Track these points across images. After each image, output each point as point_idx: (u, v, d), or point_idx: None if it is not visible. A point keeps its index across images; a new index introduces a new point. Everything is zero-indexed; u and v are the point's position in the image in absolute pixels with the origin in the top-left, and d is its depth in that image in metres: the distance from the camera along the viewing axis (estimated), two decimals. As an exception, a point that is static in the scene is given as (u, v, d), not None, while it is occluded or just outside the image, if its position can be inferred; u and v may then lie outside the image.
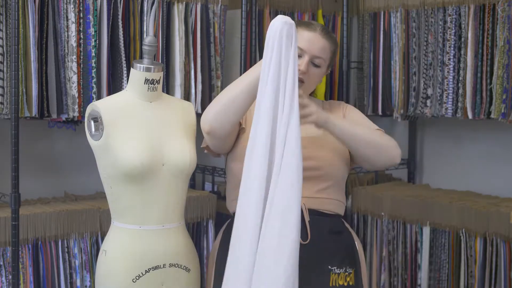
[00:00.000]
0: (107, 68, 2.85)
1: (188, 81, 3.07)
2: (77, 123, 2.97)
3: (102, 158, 2.24)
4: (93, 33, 2.79)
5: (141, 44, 2.90)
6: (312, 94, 2.46)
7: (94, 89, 2.80)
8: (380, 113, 3.61)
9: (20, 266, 2.67)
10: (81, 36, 2.78)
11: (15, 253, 2.60)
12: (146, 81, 2.26)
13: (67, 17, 2.75)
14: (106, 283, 2.25)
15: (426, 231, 3.32)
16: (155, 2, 2.95)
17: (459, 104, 3.27)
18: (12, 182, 2.59)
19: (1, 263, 2.67)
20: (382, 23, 3.57)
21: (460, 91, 3.26)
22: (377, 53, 3.59)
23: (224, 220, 2.45)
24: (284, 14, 3.48)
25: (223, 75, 3.21)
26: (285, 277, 1.90)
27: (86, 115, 2.27)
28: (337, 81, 3.63)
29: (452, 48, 3.29)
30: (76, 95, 2.77)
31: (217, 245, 2.34)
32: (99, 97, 2.82)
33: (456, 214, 3.22)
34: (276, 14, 3.45)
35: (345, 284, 2.23)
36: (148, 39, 2.26)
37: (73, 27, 2.76)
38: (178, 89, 3.03)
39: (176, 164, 2.26)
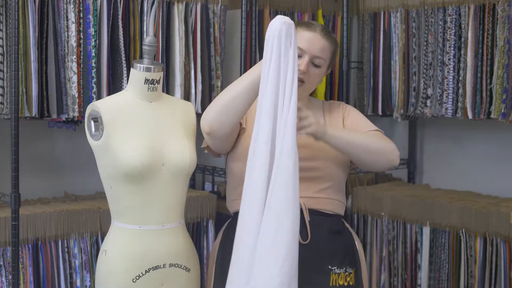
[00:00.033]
0: (107, 68, 2.85)
1: (188, 81, 3.07)
2: (77, 123, 2.97)
3: (102, 158, 2.24)
4: (93, 33, 2.80)
5: (141, 44, 2.90)
6: (313, 94, 2.46)
7: (94, 89, 2.80)
8: (380, 113, 3.61)
9: (20, 266, 2.67)
10: (81, 36, 2.78)
11: (15, 253, 2.60)
12: (146, 81, 2.26)
13: (67, 17, 2.75)
14: (106, 283, 2.25)
15: (426, 231, 3.32)
16: (155, 2, 2.95)
17: (459, 104, 3.27)
18: (12, 182, 2.59)
19: (1, 263, 2.67)
20: (382, 23, 3.57)
21: (460, 91, 3.26)
22: (377, 53, 3.59)
23: (224, 220, 2.46)
24: (284, 14, 3.48)
25: (223, 75, 3.21)
26: (280, 278, 1.90)
27: (86, 115, 2.27)
28: (337, 81, 3.63)
29: (452, 48, 3.29)
30: (76, 95, 2.77)
31: (217, 245, 2.34)
32: (99, 97, 2.82)
33: (456, 214, 3.22)
34: (276, 14, 3.44)
35: (345, 284, 2.23)
36: (148, 39, 2.26)
37: (73, 27, 2.76)
38: (178, 89, 3.03)
39: (176, 164, 2.26)
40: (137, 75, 2.27)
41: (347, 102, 3.53)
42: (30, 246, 2.72)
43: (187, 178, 2.33)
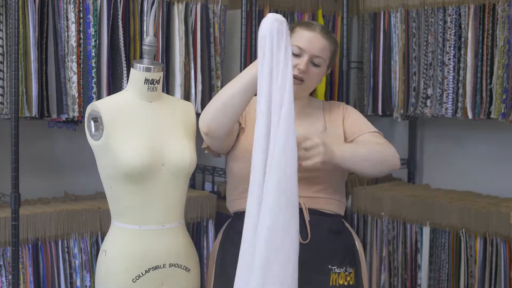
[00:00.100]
0: (107, 68, 2.85)
1: (188, 81, 3.07)
2: (77, 123, 2.97)
3: (102, 158, 2.24)
4: (93, 33, 2.80)
5: (141, 44, 2.90)
6: (313, 94, 2.47)
7: (94, 89, 2.80)
8: (380, 113, 3.61)
9: (20, 266, 2.67)
10: (81, 36, 2.78)
11: (15, 253, 2.60)
12: (146, 81, 2.26)
13: (67, 17, 2.75)
14: (106, 283, 2.25)
15: (426, 231, 3.32)
16: (155, 2, 2.95)
17: (459, 104, 3.28)
18: (12, 182, 2.59)
19: (1, 263, 2.67)
20: (382, 23, 3.57)
21: (460, 91, 3.26)
22: (377, 53, 3.59)
23: (224, 220, 2.45)
24: (284, 14, 3.49)
25: (223, 75, 3.21)
26: (274, 275, 1.90)
27: (86, 115, 2.27)
28: (337, 81, 3.63)
29: (452, 48, 3.29)
30: (76, 95, 2.77)
31: (217, 245, 2.34)
32: (99, 97, 2.82)
33: (456, 214, 3.22)
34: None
35: (345, 283, 2.23)
36: (148, 39, 2.26)
37: (73, 27, 2.76)
38: (178, 89, 3.03)
39: (176, 164, 2.26)
40: (137, 75, 2.27)
41: (347, 102, 3.53)
42: (30, 246, 2.72)
43: (187, 178, 2.33)
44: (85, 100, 2.79)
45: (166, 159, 2.25)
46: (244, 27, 3.22)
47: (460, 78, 3.26)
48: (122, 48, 2.88)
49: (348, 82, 3.64)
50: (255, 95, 1.99)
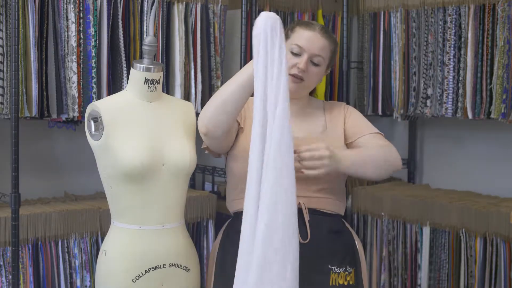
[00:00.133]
0: (107, 68, 2.85)
1: (188, 81, 3.07)
2: (77, 123, 2.97)
3: (102, 158, 2.24)
4: (93, 33, 2.80)
5: (141, 44, 2.90)
6: (313, 94, 2.47)
7: (94, 89, 2.80)
8: (380, 113, 3.61)
9: (20, 266, 2.67)
10: (81, 36, 2.78)
11: (15, 253, 2.60)
12: (146, 81, 2.27)
13: (67, 17, 2.75)
14: (106, 283, 2.25)
15: (426, 231, 3.32)
16: (155, 2, 2.95)
17: (459, 104, 3.27)
18: (12, 182, 2.59)
19: (1, 263, 2.67)
20: (382, 23, 3.57)
21: (460, 91, 3.26)
22: (377, 53, 3.59)
23: (224, 220, 2.45)
24: (284, 14, 3.49)
25: (223, 75, 3.21)
26: (273, 275, 1.90)
27: (86, 115, 2.27)
28: (337, 81, 3.63)
29: (452, 48, 3.29)
30: (76, 95, 2.77)
31: (217, 245, 2.34)
32: (99, 97, 2.82)
33: (456, 214, 3.22)
34: (276, 14, 3.45)
35: (345, 283, 2.23)
36: (148, 39, 2.26)
37: (73, 27, 2.76)
38: (178, 89, 3.03)
39: (176, 164, 2.26)
40: (137, 75, 2.27)
41: (347, 102, 3.53)
42: (30, 246, 2.72)
43: (187, 178, 2.33)
44: (85, 100, 2.79)
45: (166, 159, 2.25)
46: (244, 27, 3.22)
47: (460, 78, 3.26)
48: (122, 48, 2.88)
49: (348, 82, 3.64)
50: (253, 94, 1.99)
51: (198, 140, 2.32)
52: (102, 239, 2.82)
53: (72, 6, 2.74)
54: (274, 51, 1.94)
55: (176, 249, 2.29)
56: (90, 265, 2.83)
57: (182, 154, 2.27)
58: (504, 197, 3.46)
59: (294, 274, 1.92)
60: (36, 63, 2.67)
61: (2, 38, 2.62)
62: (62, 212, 2.79)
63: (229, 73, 3.30)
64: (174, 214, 2.29)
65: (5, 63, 2.63)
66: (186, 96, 3.07)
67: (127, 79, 2.74)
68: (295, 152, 2.01)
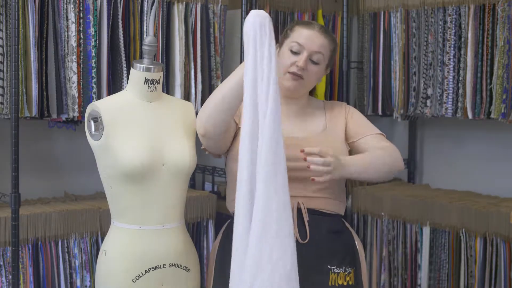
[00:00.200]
0: (107, 68, 2.85)
1: (188, 81, 3.07)
2: (77, 123, 2.97)
3: (102, 158, 2.24)
4: (93, 33, 2.80)
5: (141, 44, 2.90)
6: (313, 94, 2.47)
7: (94, 89, 2.80)
8: (380, 113, 3.61)
9: (20, 266, 2.67)
10: (81, 36, 2.78)
11: (15, 253, 2.60)
12: (146, 81, 2.26)
13: (67, 17, 2.75)
14: (106, 283, 2.25)
15: (426, 231, 3.32)
16: (155, 2, 2.95)
17: (459, 104, 3.27)
18: (12, 182, 2.59)
19: (1, 263, 2.67)
20: (382, 23, 3.57)
21: (460, 91, 3.26)
22: (377, 53, 3.59)
23: (224, 220, 2.45)
24: (284, 14, 3.49)
25: (223, 75, 3.20)
26: (273, 276, 1.89)
27: (86, 115, 2.27)
28: (337, 81, 3.63)
29: (452, 48, 3.29)
30: (76, 95, 2.77)
31: (217, 245, 2.34)
32: (99, 97, 2.82)
33: (456, 214, 3.22)
34: (276, 14, 3.45)
35: (345, 283, 2.23)
36: (148, 39, 2.26)
37: (73, 27, 2.76)
38: (178, 89, 3.03)
39: (176, 164, 2.26)
40: (137, 75, 2.27)
41: (347, 102, 3.52)
42: (30, 246, 2.72)
43: (187, 178, 2.33)
44: (85, 100, 2.79)
45: (166, 159, 2.25)
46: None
47: (460, 78, 3.26)
48: (122, 48, 2.88)
49: (348, 82, 3.64)
50: None
51: (198, 140, 2.32)
52: (102, 239, 2.82)
53: (72, 6, 2.74)
54: (264, 50, 1.94)
55: (176, 249, 2.29)
56: (90, 265, 2.83)
57: (182, 154, 2.27)
58: (504, 197, 3.46)
59: (294, 273, 1.92)
60: (36, 63, 2.67)
61: (2, 38, 2.62)
62: (62, 212, 2.79)
63: (229, 73, 3.27)
64: (174, 214, 2.29)
65: (5, 63, 2.63)
66: (186, 96, 3.07)
67: (127, 79, 2.74)
68: (301, 151, 2.02)
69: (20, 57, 2.61)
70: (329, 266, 2.21)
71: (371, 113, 3.63)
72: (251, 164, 1.92)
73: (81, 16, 2.77)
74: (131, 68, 2.29)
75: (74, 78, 2.77)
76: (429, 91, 3.39)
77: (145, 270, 2.23)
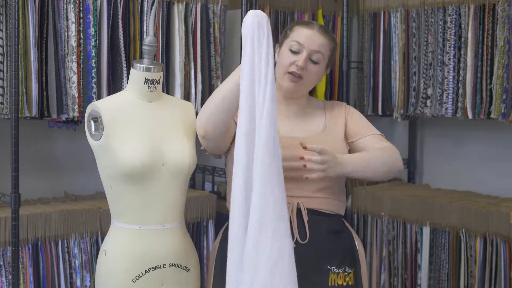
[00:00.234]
0: (107, 68, 2.85)
1: (188, 81, 3.07)
2: (77, 123, 2.97)
3: (102, 158, 2.24)
4: (93, 33, 2.80)
5: (141, 44, 2.90)
6: (313, 94, 2.47)
7: (94, 89, 2.80)
8: (380, 113, 3.61)
9: (20, 266, 2.67)
10: (81, 36, 2.78)
11: (15, 253, 2.60)
12: (146, 81, 2.26)
13: (67, 17, 2.75)
14: (106, 283, 2.25)
15: (426, 231, 3.32)
16: (155, 2, 2.95)
17: (459, 104, 3.27)
18: (12, 182, 2.59)
19: (1, 263, 2.67)
20: (382, 23, 3.57)
21: (460, 91, 3.26)
22: (377, 53, 3.59)
23: (224, 220, 2.45)
24: (284, 14, 3.49)
25: (223, 75, 3.20)
26: (269, 276, 1.89)
27: (86, 115, 2.27)
28: (337, 81, 3.63)
29: (452, 48, 3.29)
30: (76, 95, 2.77)
31: (217, 245, 2.34)
32: (99, 97, 2.82)
33: (456, 214, 3.22)
34: (276, 14, 3.45)
35: (344, 284, 2.23)
36: (148, 39, 2.26)
37: (73, 27, 2.76)
38: (178, 89, 3.03)
39: (176, 164, 2.26)
40: (137, 75, 2.27)
41: (347, 102, 3.52)
42: (30, 246, 2.72)
43: (187, 178, 2.33)
44: (85, 100, 2.79)
45: (166, 159, 2.25)
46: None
47: (460, 78, 3.26)
48: (122, 48, 2.88)
49: (348, 82, 3.64)
50: None
51: (198, 140, 2.32)
52: (102, 239, 2.82)
53: (72, 6, 2.74)
54: (261, 51, 1.94)
55: (176, 249, 2.29)
56: (90, 265, 2.83)
57: (182, 154, 2.27)
58: (504, 197, 3.46)
59: (293, 273, 1.92)
60: (36, 63, 2.67)
61: (2, 38, 2.62)
62: (62, 212, 2.79)
63: (229, 73, 3.28)
64: (174, 214, 2.29)
65: (5, 63, 2.63)
66: (186, 96, 3.07)
67: (127, 79, 2.74)
68: (304, 147, 2.03)
69: (20, 57, 2.61)
70: (328, 267, 2.21)
71: (371, 113, 3.63)
72: (247, 164, 1.92)
73: (81, 16, 2.77)
74: (131, 68, 2.29)
75: (74, 78, 2.77)
76: (429, 91, 3.39)
77: (145, 270, 2.23)
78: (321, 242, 2.21)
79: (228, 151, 2.31)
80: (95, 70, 2.80)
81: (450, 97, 3.30)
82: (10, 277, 2.65)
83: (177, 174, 2.27)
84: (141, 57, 2.84)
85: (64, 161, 3.22)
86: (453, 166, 3.77)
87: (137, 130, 2.24)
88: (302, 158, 2.06)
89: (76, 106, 2.77)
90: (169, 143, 2.27)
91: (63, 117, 2.77)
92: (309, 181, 2.19)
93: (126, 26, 2.90)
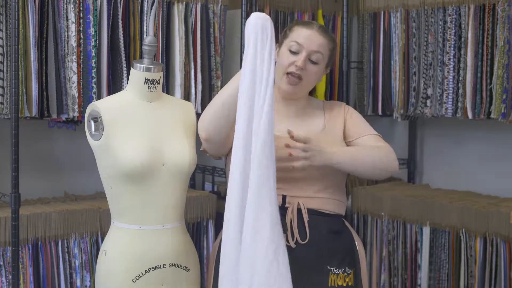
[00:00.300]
0: (107, 68, 2.85)
1: (188, 81, 3.08)
2: (77, 123, 2.97)
3: (102, 158, 2.24)
4: (93, 33, 2.80)
5: (141, 44, 2.90)
6: (312, 94, 2.47)
7: (94, 89, 2.80)
8: (380, 113, 3.61)
9: (20, 266, 2.67)
10: (81, 36, 2.78)
11: (15, 253, 2.60)
12: (146, 81, 2.27)
13: (67, 17, 2.75)
14: (106, 283, 2.25)
15: (426, 231, 3.32)
16: (155, 2, 2.95)
17: (459, 104, 3.28)
18: (12, 182, 2.59)
19: (1, 263, 2.67)
20: (382, 23, 3.57)
21: (460, 91, 3.26)
22: (377, 53, 3.59)
23: (224, 220, 2.45)
24: (284, 14, 3.49)
25: (223, 75, 3.21)
26: (266, 277, 1.90)
27: (86, 115, 2.27)
28: (337, 81, 3.63)
29: (452, 48, 3.29)
30: (76, 95, 2.77)
31: (217, 245, 2.34)
32: (99, 97, 2.82)
33: (456, 214, 3.22)
34: (276, 14, 3.45)
35: (344, 284, 2.23)
36: (148, 39, 2.26)
37: (73, 27, 2.76)
38: (178, 89, 3.03)
39: (176, 164, 2.26)
40: (137, 75, 2.27)
41: (347, 102, 3.53)
42: (30, 246, 2.72)
43: (187, 178, 2.33)
44: (85, 100, 2.79)
45: (166, 159, 2.25)
46: (244, 27, 3.21)
47: (460, 78, 3.26)
48: (122, 48, 2.88)
49: (348, 82, 3.64)
50: None
51: (198, 140, 2.32)
52: (102, 239, 2.82)
53: (72, 6, 2.75)
54: (264, 52, 1.94)
55: (176, 249, 2.29)
56: (90, 265, 2.83)
57: (182, 154, 2.27)
58: (504, 197, 3.46)
59: (288, 274, 1.92)
60: (36, 63, 2.67)
61: (2, 38, 2.62)
62: (62, 212, 2.79)
63: (229, 73, 3.30)
64: (174, 214, 2.29)
65: (5, 63, 2.63)
66: (186, 96, 3.07)
67: (127, 79, 2.74)
68: (291, 136, 2.03)
69: (20, 57, 2.61)
70: (328, 267, 2.21)
71: (371, 113, 3.63)
72: (244, 165, 1.93)
73: (81, 16, 2.77)
74: (131, 68, 2.29)
75: (74, 78, 2.77)
76: (429, 91, 3.39)
77: (145, 270, 2.23)
78: (321, 242, 2.21)
79: (229, 152, 2.31)
80: (95, 70, 2.80)
81: (450, 97, 3.30)
82: (10, 277, 2.65)
83: (177, 174, 2.27)
84: (141, 57, 2.84)
85: (64, 161, 3.22)
86: (453, 166, 3.77)
87: (137, 130, 2.24)
88: (288, 146, 2.06)
89: (76, 106, 2.77)
90: (169, 143, 2.27)
91: (63, 117, 2.77)
92: (309, 181, 2.19)
93: (126, 26, 2.90)
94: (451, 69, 3.29)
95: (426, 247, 3.33)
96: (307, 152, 2.07)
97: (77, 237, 2.82)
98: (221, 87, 3.15)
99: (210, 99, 3.10)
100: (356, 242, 2.34)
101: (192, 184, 3.49)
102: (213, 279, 2.30)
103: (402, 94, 3.47)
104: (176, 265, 2.29)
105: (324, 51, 2.27)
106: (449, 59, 3.30)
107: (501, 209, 3.12)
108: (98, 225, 2.86)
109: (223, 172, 3.21)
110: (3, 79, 2.63)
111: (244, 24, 3.16)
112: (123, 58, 2.88)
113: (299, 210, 2.21)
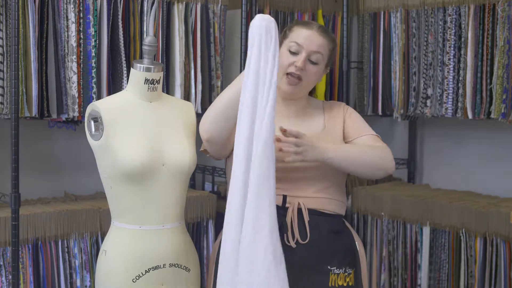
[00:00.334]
0: (107, 68, 2.85)
1: (188, 81, 3.08)
2: (77, 123, 2.97)
3: (102, 158, 2.24)
4: (93, 33, 2.80)
5: (141, 44, 2.90)
6: (312, 94, 2.47)
7: (94, 89, 2.80)
8: (380, 113, 3.61)
9: (20, 266, 2.67)
10: (81, 36, 2.78)
11: (15, 253, 2.60)
12: (146, 81, 2.27)
13: (67, 17, 2.75)
14: (106, 283, 2.25)
15: (426, 231, 3.32)
16: (155, 2, 2.95)
17: (459, 104, 3.28)
18: (12, 182, 2.59)
19: (1, 263, 2.67)
20: (382, 23, 3.57)
21: (460, 91, 3.27)
22: (377, 53, 3.59)
23: (224, 220, 2.45)
24: (284, 14, 3.49)
25: (223, 75, 3.21)
26: (264, 277, 1.90)
27: (86, 115, 2.27)
28: (337, 81, 3.63)
29: (452, 48, 3.29)
30: (76, 95, 2.77)
31: (217, 245, 2.34)
32: (99, 97, 2.82)
33: (456, 214, 3.22)
34: (276, 14, 3.45)
35: (345, 284, 2.23)
36: (148, 39, 2.26)
37: (73, 27, 2.76)
38: (178, 89, 3.03)
39: (176, 164, 2.26)
40: (137, 75, 2.27)
41: (347, 102, 3.53)
42: (30, 246, 2.72)
43: (187, 178, 2.33)
44: (85, 100, 2.79)
45: (166, 159, 2.25)
46: (244, 27, 3.21)
47: (460, 78, 3.26)
48: (122, 48, 2.88)
49: (348, 82, 3.64)
50: None
51: (198, 140, 2.33)
52: (102, 239, 2.82)
53: (72, 6, 2.74)
54: (268, 54, 1.95)
55: (176, 249, 2.29)
56: (90, 265, 2.83)
57: (182, 154, 2.27)
58: (504, 197, 3.46)
59: (285, 274, 1.92)
60: (36, 63, 2.67)
61: (2, 38, 2.62)
62: (62, 212, 2.79)
63: (229, 73, 3.31)
64: (174, 214, 2.29)
65: (5, 63, 2.63)
66: (186, 96, 3.07)
67: (127, 79, 2.74)
68: (283, 131, 2.03)
69: (20, 57, 2.61)
70: (329, 267, 2.21)
71: (371, 113, 3.63)
72: (246, 166, 1.93)
73: (81, 16, 2.77)
74: (131, 68, 2.29)
75: (74, 78, 2.77)
76: (429, 91, 3.39)
77: (145, 270, 2.23)
78: (321, 242, 2.21)
79: (229, 154, 2.31)
80: (95, 70, 2.80)
81: (450, 97, 3.30)
82: (10, 277, 2.65)
83: (177, 174, 2.27)
84: (141, 57, 2.84)
85: (64, 161, 3.22)
86: (453, 166, 3.77)
87: (137, 130, 2.24)
88: (278, 140, 2.06)
89: (76, 106, 2.77)
90: (169, 143, 2.27)
91: (63, 117, 2.77)
92: (310, 181, 2.19)
93: (126, 26, 2.90)
94: (451, 69, 3.29)
95: (426, 247, 3.33)
96: (299, 147, 2.07)
97: (77, 237, 2.82)
98: (221, 87, 3.15)
99: (210, 99, 3.11)
100: (356, 242, 2.34)
101: (192, 184, 3.49)
102: (213, 279, 2.30)
103: (402, 94, 3.47)
104: (176, 265, 2.29)
105: (324, 51, 2.27)
106: (449, 59, 3.30)
107: (501, 209, 3.12)
108: (98, 225, 2.86)
109: (223, 172, 3.21)
110: (3, 79, 2.63)
111: (244, 24, 3.20)
112: (123, 58, 2.88)
113: (299, 210, 2.21)
